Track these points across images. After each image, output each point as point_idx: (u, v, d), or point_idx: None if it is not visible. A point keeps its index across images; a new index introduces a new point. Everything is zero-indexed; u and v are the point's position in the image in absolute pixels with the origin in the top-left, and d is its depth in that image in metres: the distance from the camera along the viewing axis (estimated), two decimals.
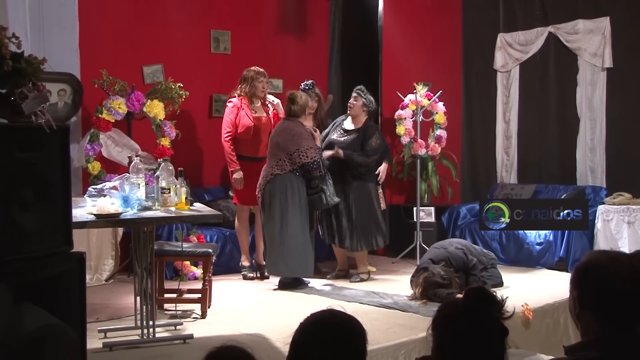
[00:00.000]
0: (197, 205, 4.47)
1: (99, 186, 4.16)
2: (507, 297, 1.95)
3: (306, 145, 5.71)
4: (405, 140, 7.29)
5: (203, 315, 4.74)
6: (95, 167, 6.04)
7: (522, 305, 4.84)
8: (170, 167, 4.25)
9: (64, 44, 6.00)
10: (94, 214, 3.71)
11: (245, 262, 6.21)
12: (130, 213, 3.88)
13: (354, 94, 6.22)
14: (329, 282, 6.04)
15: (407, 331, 4.32)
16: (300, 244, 5.66)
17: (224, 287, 5.74)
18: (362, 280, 6.04)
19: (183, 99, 6.48)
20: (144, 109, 6.29)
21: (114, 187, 4.06)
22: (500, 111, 8.13)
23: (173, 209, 4.10)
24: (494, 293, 1.94)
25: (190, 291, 5.04)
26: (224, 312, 4.93)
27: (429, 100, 7.28)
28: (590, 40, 7.30)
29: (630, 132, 7.15)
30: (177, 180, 4.23)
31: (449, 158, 7.76)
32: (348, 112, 6.25)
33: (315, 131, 6.02)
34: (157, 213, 4.02)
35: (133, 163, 4.33)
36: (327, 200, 5.73)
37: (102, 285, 5.87)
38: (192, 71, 6.90)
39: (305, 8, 7.93)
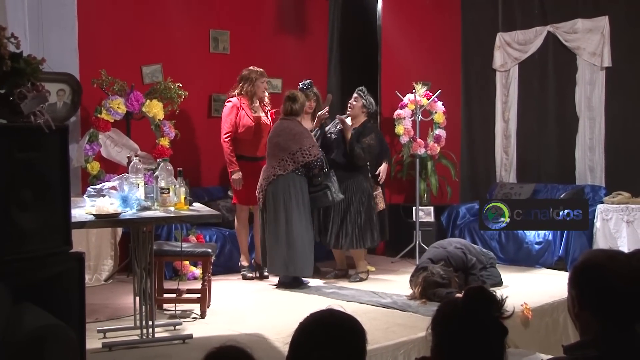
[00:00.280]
0: (196, 205, 4.46)
1: (98, 186, 4.16)
2: (506, 297, 1.95)
3: (308, 144, 5.72)
4: (404, 139, 7.29)
5: (202, 315, 4.74)
6: (94, 167, 6.04)
7: (521, 305, 4.84)
8: (170, 167, 4.25)
9: (63, 44, 6.00)
10: (93, 214, 3.70)
11: (244, 262, 6.21)
12: (129, 213, 3.87)
13: (355, 95, 6.23)
14: (328, 281, 6.04)
15: (406, 331, 4.31)
16: (306, 243, 5.68)
17: (223, 287, 5.74)
18: (361, 280, 6.05)
19: (182, 99, 6.48)
20: (143, 109, 6.29)
21: (113, 187, 4.06)
22: (499, 110, 8.14)
23: (172, 208, 4.09)
24: (494, 292, 1.94)
25: (189, 291, 5.03)
26: (223, 312, 4.92)
27: (428, 99, 7.29)
28: (589, 40, 7.31)
29: (629, 132, 7.16)
30: (176, 180, 4.23)
31: (448, 157, 7.77)
32: (347, 112, 6.25)
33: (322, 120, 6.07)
34: (157, 213, 4.02)
35: (132, 163, 4.32)
36: (333, 196, 5.74)
37: (101, 286, 5.87)
38: (191, 71, 6.90)
39: (304, 8, 7.93)
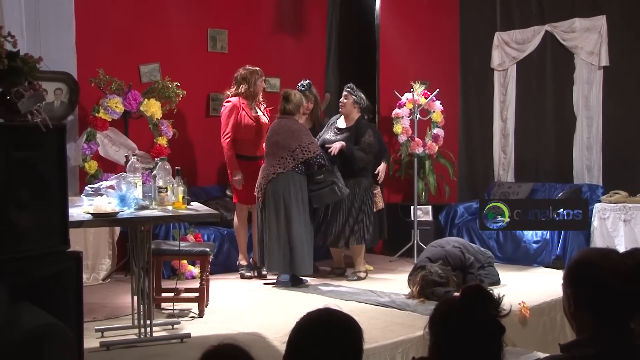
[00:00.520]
0: (194, 204, 4.45)
1: (96, 185, 4.16)
2: (503, 295, 1.95)
3: (307, 141, 5.73)
4: (402, 138, 7.30)
5: (200, 314, 4.74)
6: (92, 166, 6.04)
7: (519, 304, 4.85)
8: (167, 166, 4.25)
9: (60, 43, 6.00)
10: (91, 213, 3.70)
11: (242, 261, 6.21)
12: (127, 212, 3.87)
13: (344, 92, 6.22)
14: (327, 280, 6.04)
15: (404, 330, 4.32)
16: (305, 242, 5.69)
17: (222, 286, 5.74)
18: (359, 279, 6.05)
19: (180, 98, 6.48)
20: (141, 108, 6.29)
21: (111, 186, 4.06)
22: (497, 109, 8.15)
23: (170, 208, 4.09)
24: (491, 291, 1.95)
25: (187, 290, 5.04)
26: (221, 311, 4.93)
27: (426, 98, 7.30)
28: (587, 39, 7.32)
29: (627, 131, 7.17)
30: (174, 179, 4.23)
31: (446, 156, 7.78)
32: (340, 110, 6.25)
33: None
34: (154, 212, 4.02)
35: (130, 162, 4.32)
36: (342, 191, 5.74)
37: (99, 285, 5.87)
38: (189, 70, 6.90)
39: (302, 7, 7.93)
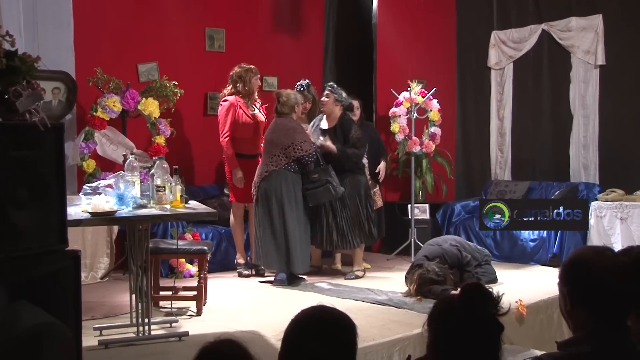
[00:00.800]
0: (192, 203, 4.47)
1: (94, 184, 4.15)
2: (503, 294, 1.96)
3: (300, 139, 5.72)
4: (399, 137, 7.32)
5: (198, 312, 4.75)
6: (90, 165, 6.04)
7: (516, 302, 4.87)
8: (165, 165, 4.25)
9: (58, 42, 6.01)
10: (89, 212, 3.71)
11: (240, 260, 6.22)
12: (125, 211, 3.88)
13: (325, 92, 6.19)
14: (324, 278, 6.05)
15: (401, 328, 4.33)
16: (298, 240, 5.69)
17: (219, 285, 5.75)
18: (357, 277, 6.07)
19: (178, 97, 6.49)
20: (139, 107, 6.29)
21: (109, 185, 4.05)
22: (494, 108, 8.17)
23: (168, 206, 4.09)
24: (491, 289, 1.95)
25: (185, 289, 5.05)
26: (219, 309, 4.94)
27: (423, 97, 7.31)
28: (583, 38, 7.34)
29: (623, 129, 7.19)
30: (172, 178, 4.23)
31: (443, 155, 7.80)
32: (321, 110, 6.20)
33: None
34: (152, 211, 4.02)
35: (128, 161, 4.32)
36: (336, 190, 5.74)
37: (97, 283, 5.89)
38: (187, 69, 6.91)
39: (299, 6, 7.94)
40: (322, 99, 6.19)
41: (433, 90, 7.32)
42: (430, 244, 5.65)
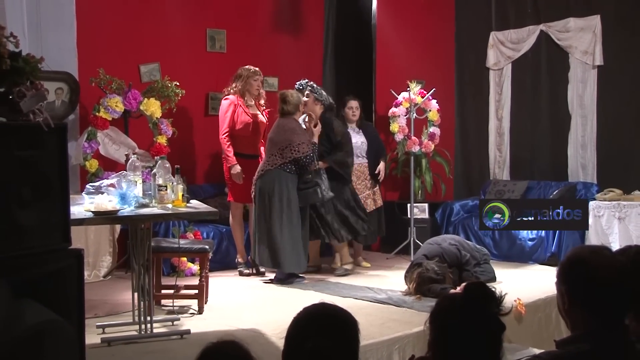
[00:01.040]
0: (194, 202, 4.49)
1: (97, 184, 4.18)
2: (505, 294, 1.97)
3: (298, 140, 5.74)
4: (399, 137, 7.35)
5: (200, 310, 4.78)
6: (92, 164, 6.08)
7: (515, 300, 4.87)
8: (167, 165, 4.28)
9: (61, 43, 6.04)
10: (92, 211, 3.73)
11: (241, 259, 6.26)
12: (127, 210, 3.90)
13: (305, 92, 6.19)
14: (324, 277, 6.08)
15: (401, 326, 4.34)
16: (287, 240, 5.68)
17: (221, 283, 5.78)
18: (346, 272, 6.11)
19: (179, 98, 6.52)
20: (141, 107, 6.33)
21: (112, 185, 4.08)
22: (492, 108, 8.19)
23: (170, 206, 4.12)
24: (494, 289, 1.96)
25: (187, 287, 5.07)
26: (220, 307, 4.97)
27: (423, 97, 7.34)
28: (581, 38, 7.36)
29: (621, 129, 7.21)
30: (174, 177, 4.25)
31: (442, 155, 7.82)
32: (302, 110, 6.17)
33: (316, 125, 6.02)
34: (154, 210, 4.04)
35: (130, 161, 4.34)
36: (323, 194, 5.77)
37: (100, 282, 5.92)
38: (188, 70, 6.94)
39: (300, 7, 7.97)
40: (302, 99, 6.19)
41: (432, 90, 7.34)
42: (430, 243, 5.67)
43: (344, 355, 1.87)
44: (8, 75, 2.55)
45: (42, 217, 2.56)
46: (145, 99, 6.35)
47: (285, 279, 5.79)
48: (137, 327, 4.17)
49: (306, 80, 6.42)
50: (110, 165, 6.23)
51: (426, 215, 7.42)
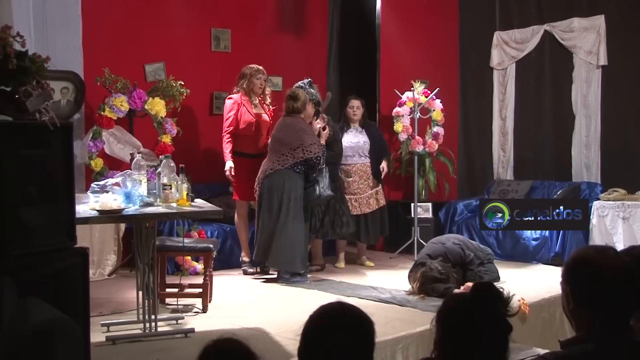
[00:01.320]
0: (198, 201, 4.50)
1: (102, 182, 4.19)
2: (513, 295, 1.97)
3: (309, 141, 5.75)
4: (402, 137, 7.35)
5: (204, 309, 4.78)
6: (97, 163, 6.09)
7: (519, 300, 4.86)
8: (172, 164, 4.29)
9: (67, 43, 6.06)
10: (97, 210, 3.74)
11: (245, 258, 6.26)
12: (132, 209, 3.91)
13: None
14: (327, 276, 6.09)
15: (405, 325, 4.33)
16: (297, 238, 5.71)
17: (225, 282, 5.78)
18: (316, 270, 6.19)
19: (184, 97, 6.53)
20: (146, 107, 6.34)
21: (117, 184, 4.09)
22: (496, 108, 8.18)
23: (174, 205, 4.13)
24: (501, 289, 1.96)
25: (191, 286, 5.09)
26: (224, 306, 4.97)
27: (426, 97, 7.34)
28: (586, 38, 7.34)
29: (625, 129, 7.19)
30: (178, 176, 4.26)
31: (446, 154, 7.82)
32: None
33: (324, 129, 6.06)
34: (159, 209, 4.06)
35: (135, 160, 4.36)
36: (320, 192, 5.78)
37: (104, 280, 5.93)
38: (193, 69, 6.95)
39: (304, 7, 7.98)
40: None
41: (436, 90, 7.35)
42: (433, 243, 5.66)
43: (362, 355, 1.87)
44: (14, 74, 2.57)
45: (47, 216, 2.58)
46: (150, 98, 6.37)
47: (289, 278, 5.79)
48: (141, 325, 4.17)
49: (308, 80, 6.43)
50: (115, 164, 6.24)
51: (430, 215, 7.42)
